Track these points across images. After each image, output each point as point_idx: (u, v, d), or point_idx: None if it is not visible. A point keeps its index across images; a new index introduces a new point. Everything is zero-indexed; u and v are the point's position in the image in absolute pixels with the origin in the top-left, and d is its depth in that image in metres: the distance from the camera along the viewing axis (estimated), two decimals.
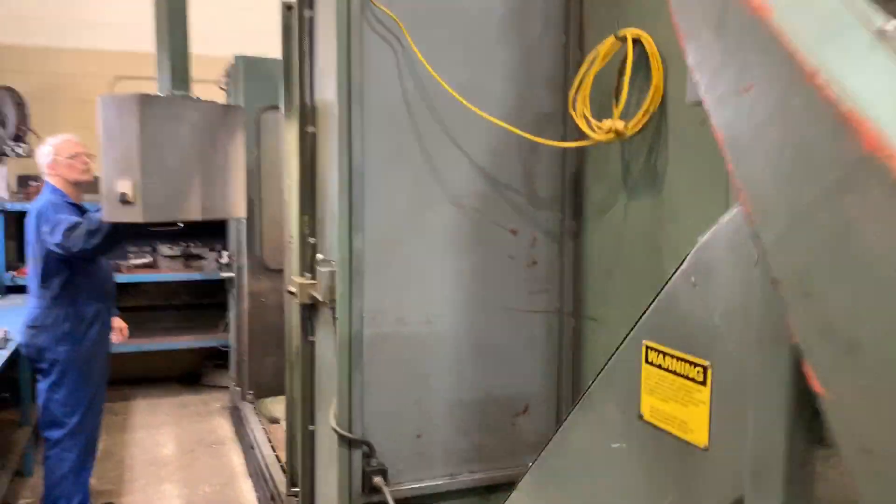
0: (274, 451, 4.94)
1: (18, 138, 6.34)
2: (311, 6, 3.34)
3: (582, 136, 2.75)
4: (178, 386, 7.40)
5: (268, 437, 5.21)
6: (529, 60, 3.03)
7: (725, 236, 1.19)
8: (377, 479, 2.87)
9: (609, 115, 2.64)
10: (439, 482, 3.01)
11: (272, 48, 4.19)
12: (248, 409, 5.85)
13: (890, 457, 0.73)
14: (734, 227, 1.17)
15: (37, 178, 6.30)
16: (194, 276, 6.97)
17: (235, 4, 7.64)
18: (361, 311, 2.85)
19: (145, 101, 3.64)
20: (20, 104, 6.41)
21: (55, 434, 4.16)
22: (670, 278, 1.34)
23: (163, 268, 7.04)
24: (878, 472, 0.74)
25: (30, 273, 4.30)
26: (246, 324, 5.93)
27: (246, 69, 5.79)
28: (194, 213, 3.91)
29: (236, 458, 5.64)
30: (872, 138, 0.72)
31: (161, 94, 3.89)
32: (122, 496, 4.97)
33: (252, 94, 5.75)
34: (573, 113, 2.78)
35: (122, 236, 4.01)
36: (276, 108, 4.96)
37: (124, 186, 3.71)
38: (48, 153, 4.25)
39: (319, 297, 3.02)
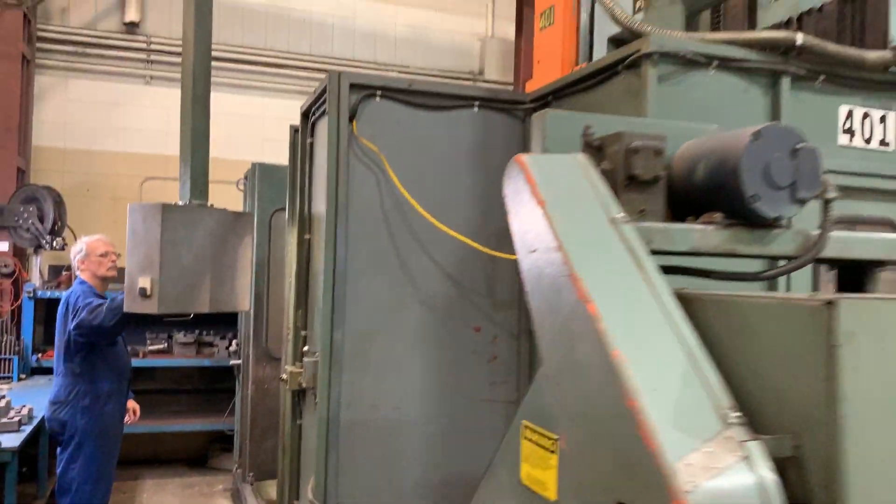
0: None
1: (55, 232, 6.97)
2: (312, 134, 3.94)
3: None
4: (185, 468, 7.73)
5: None
6: (492, 184, 3.54)
7: None
8: None
9: None
10: None
11: (287, 156, 4.77)
12: (247, 491, 6.17)
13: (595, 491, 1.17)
14: None
15: (68, 268, 6.88)
16: (205, 362, 7.43)
17: (257, 114, 8.40)
18: (339, 397, 3.29)
19: (167, 209, 4.20)
20: (58, 202, 7.07)
21: (67, 501, 4.56)
22: (538, 372, 1.79)
23: (177, 354, 7.50)
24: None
25: (56, 355, 4.78)
26: (249, 408, 6.33)
27: (261, 174, 6.39)
28: (203, 306, 4.40)
29: None
30: (581, 290, 1.20)
31: (181, 203, 4.46)
32: None
33: (266, 197, 6.33)
34: None
35: (135, 317, 4.48)
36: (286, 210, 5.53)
37: (144, 282, 4.23)
38: (81, 250, 4.80)
39: (304, 384, 3.46)
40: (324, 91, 3.47)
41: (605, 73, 3.02)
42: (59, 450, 4.69)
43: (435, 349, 3.44)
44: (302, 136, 3.95)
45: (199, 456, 7.86)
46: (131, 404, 5.10)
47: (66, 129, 8.00)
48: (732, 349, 1.21)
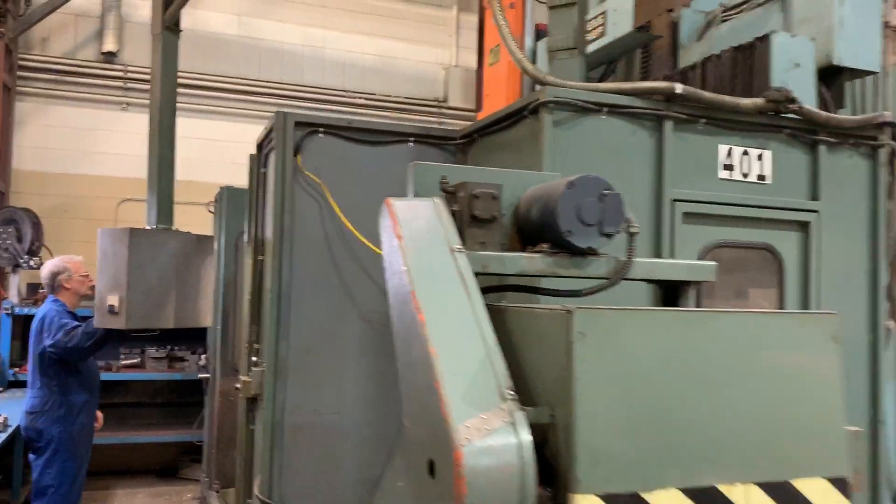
0: None
1: (32, 252, 7.32)
2: (265, 164, 4.34)
3: None
4: (156, 478, 8.04)
5: None
6: None
7: None
8: None
9: None
10: None
11: None
12: (213, 498, 6.50)
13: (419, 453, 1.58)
14: None
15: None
16: (176, 376, 7.78)
17: (230, 139, 8.80)
18: (284, 403, 3.67)
19: (134, 233, 4.61)
20: (36, 223, 7.43)
21: (45, 503, 4.92)
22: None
23: (149, 368, 7.84)
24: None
25: (30, 370, 5.14)
26: (216, 420, 6.67)
27: (229, 198, 6.75)
28: (168, 322, 4.79)
29: None
30: (416, 303, 1.61)
31: (148, 227, 4.86)
32: None
33: (233, 219, 6.66)
34: None
35: (109, 339, 4.88)
36: None
37: (113, 300, 4.62)
38: (66, 269, 5.17)
39: (253, 392, 3.85)
40: (273, 128, 3.88)
41: (515, 117, 3.46)
42: (32, 457, 5.04)
43: (372, 359, 3.82)
44: (257, 166, 4.36)
45: (169, 466, 8.17)
46: (97, 413, 5.47)
47: (45, 153, 8.36)
48: (522, 346, 1.63)
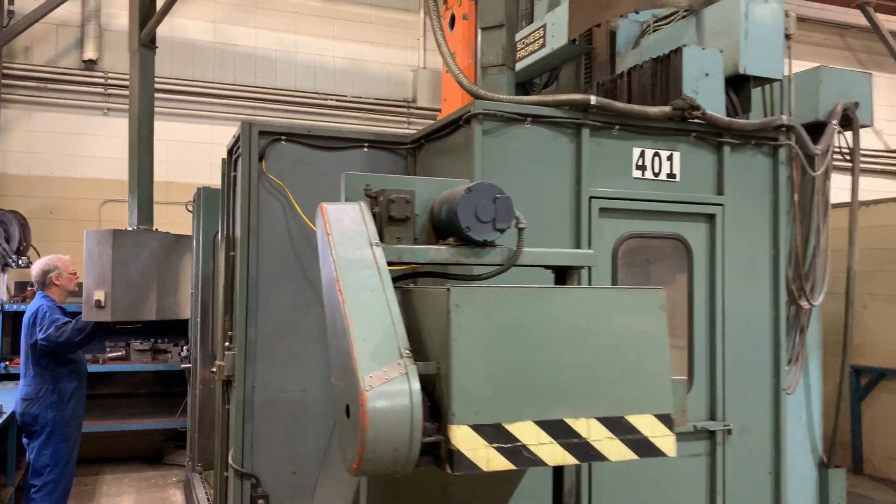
0: None
1: (20, 252, 7.73)
2: (235, 168, 4.78)
3: None
4: (142, 464, 8.49)
5: (208, 499, 6.33)
6: None
7: None
8: (261, 503, 4.07)
9: None
10: None
11: None
12: (196, 479, 6.96)
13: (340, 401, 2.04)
14: None
15: (32, 284, 7.63)
16: (160, 367, 8.22)
17: (207, 140, 9.22)
18: (254, 383, 4.13)
19: (117, 234, 5.05)
20: (23, 224, 7.83)
21: (41, 481, 5.38)
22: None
23: (134, 360, 8.28)
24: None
25: (22, 360, 5.57)
26: (198, 406, 7.12)
27: (205, 198, 7.18)
28: (150, 314, 5.24)
29: None
30: (339, 286, 2.08)
31: (130, 228, 5.30)
32: None
33: (210, 218, 7.09)
34: None
35: (97, 335, 5.35)
36: None
37: (99, 295, 5.06)
38: (56, 267, 5.60)
39: (227, 374, 4.31)
40: (240, 136, 4.33)
41: (453, 126, 3.93)
42: (25, 441, 5.49)
43: None
44: (227, 170, 4.80)
45: (155, 453, 8.63)
46: None
47: (30, 157, 8.75)
48: (420, 316, 2.10)
